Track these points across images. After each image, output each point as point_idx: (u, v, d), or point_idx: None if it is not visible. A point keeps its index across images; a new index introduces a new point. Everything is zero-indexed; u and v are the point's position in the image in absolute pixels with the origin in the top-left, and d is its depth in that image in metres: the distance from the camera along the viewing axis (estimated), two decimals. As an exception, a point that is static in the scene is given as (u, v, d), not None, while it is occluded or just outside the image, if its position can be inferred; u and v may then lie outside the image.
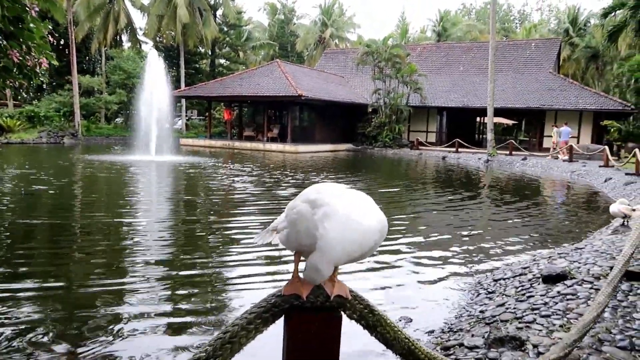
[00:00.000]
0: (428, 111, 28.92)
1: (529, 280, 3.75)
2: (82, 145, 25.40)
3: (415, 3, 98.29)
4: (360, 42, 41.03)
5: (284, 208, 1.33)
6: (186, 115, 38.69)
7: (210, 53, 42.71)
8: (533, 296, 3.29)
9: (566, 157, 18.89)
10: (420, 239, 6.17)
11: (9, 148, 21.06)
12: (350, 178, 12.95)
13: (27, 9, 3.45)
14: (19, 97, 36.46)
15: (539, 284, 3.57)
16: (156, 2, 34.50)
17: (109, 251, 5.19)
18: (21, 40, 3.35)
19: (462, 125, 30.50)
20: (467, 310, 3.55)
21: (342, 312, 1.21)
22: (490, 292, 3.84)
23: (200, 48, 40.85)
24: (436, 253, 5.46)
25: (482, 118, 33.06)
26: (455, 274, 4.71)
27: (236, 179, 11.96)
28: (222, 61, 45.68)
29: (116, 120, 35.07)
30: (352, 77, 32.80)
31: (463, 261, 5.17)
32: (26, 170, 12.76)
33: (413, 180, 13.82)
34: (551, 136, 23.28)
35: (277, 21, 48.79)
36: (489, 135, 22.10)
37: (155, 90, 18.82)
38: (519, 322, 2.82)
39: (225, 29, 42.14)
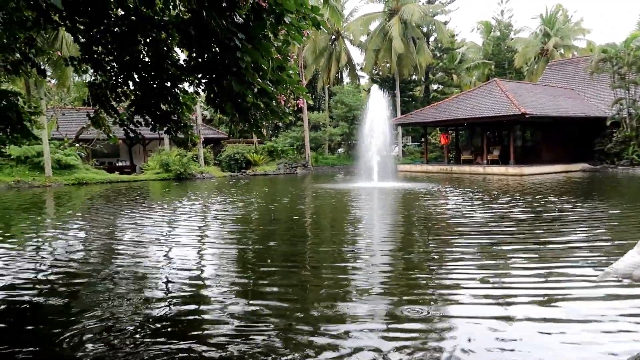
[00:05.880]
0: (691, 119, 23.75)
1: None
2: (312, 174, 28.11)
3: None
4: (592, 49, 36.43)
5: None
6: (402, 142, 39.66)
7: (424, 79, 43.25)
8: None
9: None
10: None
11: (256, 179, 24.56)
12: (597, 204, 11.29)
13: (288, 57, 3.93)
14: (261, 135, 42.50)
15: None
16: (373, 38, 36.66)
17: (334, 278, 5.43)
18: (284, 85, 3.83)
19: None
20: None
21: None
22: None
23: (414, 76, 41.72)
24: None
25: None
26: None
27: (465, 205, 11.57)
28: (435, 86, 45.74)
29: (338, 150, 38.00)
30: (584, 88, 29.15)
31: None
32: (272, 197, 14.65)
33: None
34: None
35: (492, 39, 46.71)
36: None
37: (375, 121, 19.77)
38: None
39: (439, 54, 42.21)
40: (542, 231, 7.80)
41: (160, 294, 4.72)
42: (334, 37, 37.74)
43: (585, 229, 7.75)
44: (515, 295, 4.36)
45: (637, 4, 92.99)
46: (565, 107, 25.22)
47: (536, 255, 5.89)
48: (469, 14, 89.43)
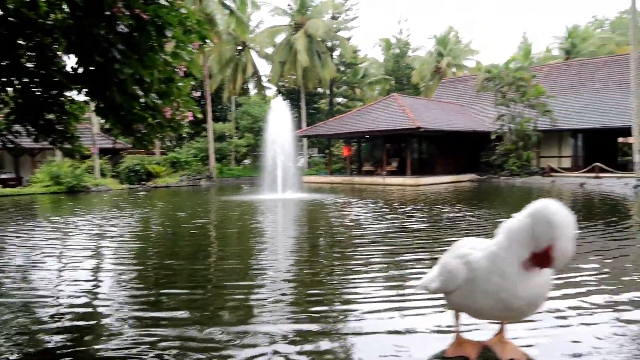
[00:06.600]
0: (560, 135, 26.79)
1: None
2: (216, 186, 27.60)
3: (538, 21, 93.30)
4: (479, 69, 39.75)
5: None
6: (307, 154, 40.33)
7: (328, 93, 44.46)
8: None
9: None
10: (573, 280, 5.58)
11: (157, 191, 23.62)
12: (473, 210, 12.34)
13: (175, 70, 3.92)
14: (163, 146, 41.06)
15: None
16: (279, 50, 37.08)
17: (237, 296, 5.46)
18: (172, 98, 3.80)
19: (601, 147, 27.69)
20: (632, 360, 3.11)
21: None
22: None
23: (319, 89, 42.76)
24: (597, 299, 4.75)
25: (625, 139, 29.71)
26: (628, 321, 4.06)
27: (366, 215, 12.06)
28: (339, 99, 47.23)
29: (244, 161, 37.74)
30: (472, 104, 31.77)
31: (632, 308, 4.47)
32: (173, 211, 14.18)
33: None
34: None
35: (392, 56, 49.33)
36: (637, 157, 19.74)
37: (280, 132, 19.90)
38: None
39: (342, 68, 43.67)
40: (437, 241, 8.37)
41: (47, 321, 4.39)
42: (240, 47, 37.60)
43: (475, 235, 8.44)
44: (413, 308, 4.64)
45: (518, 31, 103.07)
46: (455, 122, 27.28)
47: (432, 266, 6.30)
48: (371, 31, 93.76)
